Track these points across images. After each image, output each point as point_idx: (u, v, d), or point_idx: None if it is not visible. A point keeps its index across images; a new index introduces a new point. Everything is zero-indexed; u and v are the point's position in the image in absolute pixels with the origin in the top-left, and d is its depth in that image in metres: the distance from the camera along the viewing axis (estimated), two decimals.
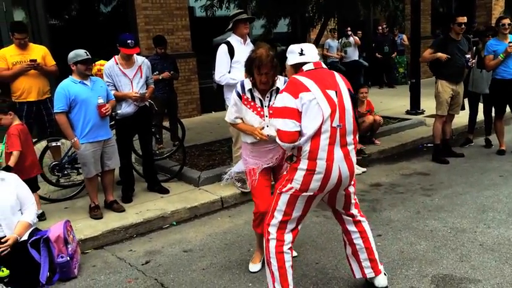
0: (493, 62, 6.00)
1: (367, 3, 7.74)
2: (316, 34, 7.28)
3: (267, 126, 3.18)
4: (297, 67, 2.79)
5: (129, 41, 4.56)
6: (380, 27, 12.37)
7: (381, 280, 3.02)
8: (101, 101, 4.22)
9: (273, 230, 2.83)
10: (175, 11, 9.06)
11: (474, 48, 6.67)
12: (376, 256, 3.03)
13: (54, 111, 4.18)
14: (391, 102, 9.95)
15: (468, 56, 5.83)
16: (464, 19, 5.73)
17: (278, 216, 2.81)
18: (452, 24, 5.79)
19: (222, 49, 4.76)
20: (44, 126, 5.37)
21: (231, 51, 4.74)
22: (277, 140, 2.70)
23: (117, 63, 4.69)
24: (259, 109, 3.20)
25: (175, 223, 4.44)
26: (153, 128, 5.60)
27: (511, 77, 6.03)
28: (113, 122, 4.94)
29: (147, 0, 8.72)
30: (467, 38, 6.00)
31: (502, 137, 6.28)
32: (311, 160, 2.64)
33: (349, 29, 11.37)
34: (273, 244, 2.82)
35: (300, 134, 2.65)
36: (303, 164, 2.67)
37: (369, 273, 3.02)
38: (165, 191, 4.98)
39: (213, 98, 7.12)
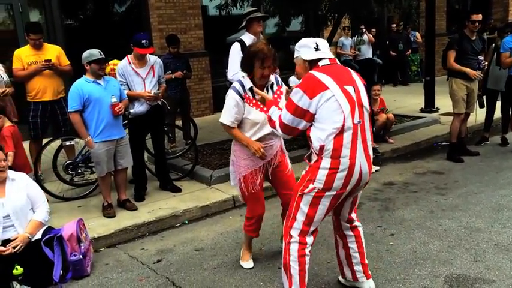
0: (510, 60, 5.89)
1: (380, 1, 7.68)
2: (329, 32, 7.24)
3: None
4: (312, 63, 2.73)
5: (143, 41, 4.59)
6: (394, 25, 12.24)
7: (371, 284, 3.04)
8: (114, 100, 4.25)
9: (295, 233, 2.76)
10: (189, 10, 9.09)
11: (493, 45, 6.56)
12: (366, 260, 3.05)
13: (68, 110, 4.23)
14: (405, 100, 9.85)
15: (481, 57, 5.73)
16: (478, 17, 5.63)
17: (301, 219, 2.73)
18: (467, 21, 5.70)
19: (235, 47, 4.76)
20: (59, 125, 5.44)
21: (244, 50, 4.73)
22: (276, 125, 2.72)
23: (130, 63, 4.72)
24: (261, 106, 3.16)
25: (187, 222, 4.46)
26: (166, 127, 5.63)
27: None
28: (126, 121, 5.00)
29: (160, 0, 8.76)
30: (482, 39, 5.89)
31: None
32: (334, 158, 2.59)
33: (363, 26, 11.27)
34: (295, 247, 2.75)
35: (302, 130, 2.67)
36: (326, 163, 2.60)
37: (360, 277, 3.02)
38: (178, 190, 5.01)
39: (225, 96, 7.13)
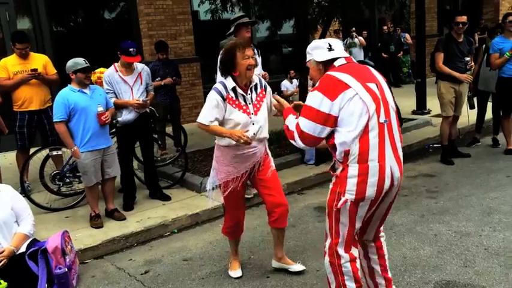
0: (499, 61, 5.88)
1: (370, 3, 7.67)
2: (319, 35, 7.22)
3: (253, 124, 3.07)
4: (327, 64, 2.55)
5: (131, 49, 4.55)
6: (386, 27, 12.26)
7: None
8: (100, 109, 4.21)
9: (342, 251, 2.54)
10: (179, 16, 9.07)
11: (483, 46, 6.55)
12: (390, 274, 2.83)
13: (54, 120, 4.18)
14: (397, 102, 9.81)
15: (468, 58, 5.72)
16: (463, 18, 5.60)
17: (343, 234, 2.51)
18: (453, 23, 5.70)
19: None
20: (46, 135, 5.39)
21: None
22: (295, 136, 2.48)
23: (117, 71, 4.68)
24: (244, 107, 3.08)
25: (176, 231, 4.41)
26: (156, 135, 5.59)
27: None
28: (113, 130, 4.96)
29: (150, 5, 8.74)
30: (469, 40, 5.89)
31: (510, 136, 6.15)
32: (362, 163, 2.37)
33: (353, 29, 11.28)
34: (348, 267, 2.54)
35: (328, 138, 2.46)
36: (353, 170, 2.39)
37: None
38: (167, 198, 4.96)
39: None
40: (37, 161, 4.92)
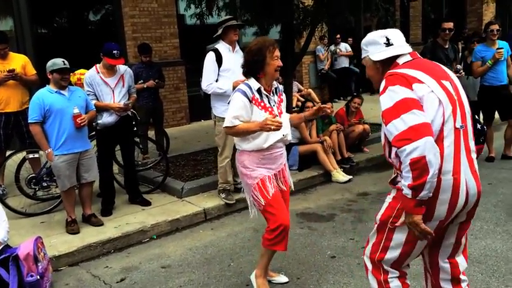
0: (481, 69, 5.93)
1: (356, 11, 7.69)
2: (304, 41, 7.20)
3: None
4: (388, 62, 2.15)
5: (114, 51, 4.46)
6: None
7: None
8: (76, 111, 4.10)
9: (388, 265, 2.24)
10: (164, 19, 8.99)
11: (460, 54, 6.61)
12: None
13: (28, 121, 4.07)
14: (381, 108, 9.85)
15: (459, 66, 5.74)
16: (449, 25, 5.66)
17: (395, 254, 2.19)
18: (439, 30, 5.73)
19: (210, 57, 4.65)
20: (23, 137, 5.24)
21: (219, 59, 4.63)
22: (410, 146, 1.86)
23: (99, 72, 4.59)
24: (270, 109, 2.97)
25: (155, 237, 4.31)
26: (137, 138, 5.50)
27: (499, 84, 5.96)
28: (93, 133, 4.85)
29: (135, 8, 8.64)
30: (454, 47, 5.93)
31: (491, 143, 6.19)
32: None
33: (338, 36, 11.32)
34: (396, 283, 2.25)
35: None
36: None
37: None
38: (147, 203, 4.86)
39: (202, 106, 7.04)
40: (13, 164, 4.78)
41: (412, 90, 1.98)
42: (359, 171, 6.08)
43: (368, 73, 2.29)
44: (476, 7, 14.47)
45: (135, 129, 5.17)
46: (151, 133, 6.63)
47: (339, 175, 5.70)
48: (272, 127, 2.76)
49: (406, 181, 1.93)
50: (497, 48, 5.87)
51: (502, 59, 5.87)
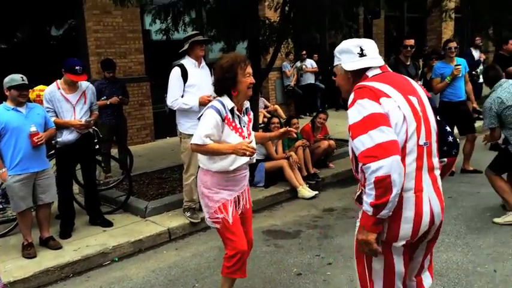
0: (440, 85, 6.11)
1: (321, 28, 7.84)
2: (270, 57, 7.26)
3: None
4: (358, 73, 2.14)
5: (77, 67, 4.36)
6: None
7: None
8: (33, 129, 3.96)
9: None
10: (129, 34, 8.88)
11: (419, 70, 6.81)
12: None
13: None
14: (346, 124, 9.97)
15: (419, 82, 5.92)
16: (411, 42, 5.84)
17: (379, 283, 2.12)
18: (401, 47, 5.90)
19: (175, 72, 4.60)
20: None
21: (185, 75, 4.59)
22: (375, 164, 1.84)
23: (59, 88, 4.46)
24: (240, 130, 2.88)
25: (116, 259, 4.17)
26: (99, 156, 5.36)
27: (458, 99, 6.17)
28: (53, 151, 4.69)
29: (99, 23, 8.51)
30: (415, 64, 6.12)
31: None
32: None
33: (304, 52, 11.48)
34: None
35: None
36: None
37: None
38: (108, 224, 4.71)
39: (167, 123, 6.95)
40: None
41: (380, 104, 1.96)
42: (325, 186, 6.11)
43: (338, 82, 2.26)
44: (436, 25, 15.01)
45: (97, 147, 5.04)
46: (114, 151, 6.48)
47: (305, 191, 5.71)
48: (247, 152, 2.68)
49: (368, 198, 1.91)
50: (456, 65, 6.08)
51: (460, 75, 6.09)
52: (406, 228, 1.99)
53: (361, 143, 1.92)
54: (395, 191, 1.86)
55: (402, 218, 1.99)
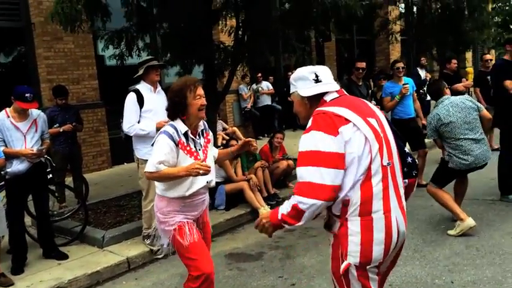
0: (390, 103, 6.37)
1: (275, 51, 8.00)
2: (226, 80, 7.33)
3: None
4: (315, 98, 2.16)
5: (27, 95, 4.23)
6: (290, 72, 12.85)
7: None
8: None
9: None
10: (81, 60, 8.72)
11: (370, 90, 7.08)
12: None
13: None
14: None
15: (373, 102, 6.16)
16: (362, 64, 6.10)
17: None
18: (353, 68, 6.14)
19: (131, 98, 4.55)
20: None
21: (141, 100, 4.55)
22: (302, 198, 1.97)
23: (9, 116, 4.31)
24: (195, 154, 2.83)
25: None
26: (53, 186, 5.17)
27: (408, 117, 6.45)
28: (2, 183, 4.48)
29: (50, 49, 8.32)
30: (366, 84, 6.38)
31: None
32: (365, 216, 2.00)
33: (259, 74, 11.67)
34: None
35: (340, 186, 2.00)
36: (355, 225, 2.01)
37: None
38: (64, 257, 4.53)
39: (124, 149, 6.83)
40: None
41: (337, 134, 1.98)
42: None
43: (296, 108, 2.28)
44: (384, 47, 15.68)
45: (50, 176, 4.87)
46: (69, 179, 6.27)
47: (266, 212, 5.71)
48: (200, 171, 2.64)
49: (283, 209, 2.08)
50: (403, 84, 6.36)
51: (408, 93, 6.37)
52: (378, 250, 2.03)
53: (300, 173, 2.04)
54: (301, 223, 2.05)
55: (374, 240, 2.02)
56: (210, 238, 3.15)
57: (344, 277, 2.08)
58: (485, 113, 4.80)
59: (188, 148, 2.81)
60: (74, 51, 8.60)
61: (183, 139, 2.79)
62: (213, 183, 2.99)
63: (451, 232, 4.67)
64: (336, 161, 1.96)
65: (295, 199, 2.02)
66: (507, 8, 20.20)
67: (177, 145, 2.76)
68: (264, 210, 5.74)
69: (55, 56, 8.38)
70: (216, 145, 6.90)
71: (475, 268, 3.86)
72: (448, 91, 5.06)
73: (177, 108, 2.81)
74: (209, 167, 2.71)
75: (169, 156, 2.73)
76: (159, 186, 2.90)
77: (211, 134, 3.09)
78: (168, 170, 2.72)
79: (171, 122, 2.85)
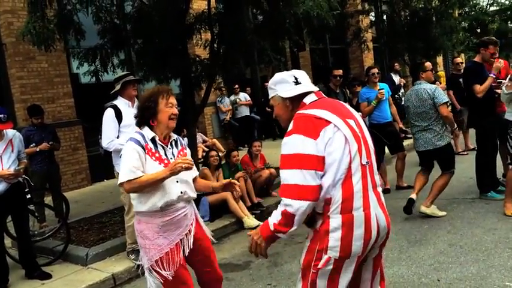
0: (367, 109, 6.48)
1: (251, 62, 8.07)
2: (204, 93, 7.34)
3: (177, 181, 2.69)
4: (296, 100, 2.20)
5: (0, 115, 4.18)
6: (267, 83, 12.93)
7: None
8: None
9: None
10: (56, 79, 8.63)
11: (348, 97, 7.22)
12: None
13: None
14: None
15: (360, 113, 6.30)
16: (339, 72, 6.25)
17: None
18: (330, 76, 6.26)
19: (109, 113, 4.53)
20: None
21: (119, 115, 4.52)
22: (289, 201, 2.02)
23: None
24: (166, 161, 2.68)
25: None
26: (33, 206, 5.06)
27: (385, 121, 6.56)
28: None
29: (23, 69, 8.21)
30: (343, 91, 6.50)
31: (385, 176, 6.69)
32: (346, 213, 2.05)
33: (236, 86, 11.73)
34: None
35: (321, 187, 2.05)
36: (336, 222, 2.06)
37: None
38: (47, 276, 4.43)
39: (103, 165, 6.73)
40: None
41: (318, 137, 2.03)
42: (270, 215, 6.07)
43: (277, 112, 2.30)
44: (357, 55, 15.98)
45: (29, 196, 4.78)
46: (48, 199, 6.15)
47: (251, 221, 5.72)
48: (183, 165, 2.54)
49: (274, 218, 2.10)
50: (379, 89, 6.49)
51: (384, 98, 6.49)
52: (357, 245, 2.08)
53: (284, 176, 2.08)
54: (293, 228, 2.07)
55: (354, 235, 2.07)
56: (211, 250, 2.99)
57: (314, 273, 2.13)
58: (443, 109, 5.10)
59: (157, 155, 2.68)
60: (47, 70, 8.51)
61: (151, 145, 2.68)
62: (191, 194, 2.83)
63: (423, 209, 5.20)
64: (315, 163, 2.02)
65: (282, 204, 2.05)
66: (473, 13, 20.90)
67: (144, 150, 2.64)
68: (249, 219, 5.74)
69: (28, 75, 8.27)
70: (196, 158, 6.89)
71: (459, 265, 3.93)
72: (425, 75, 5.35)
73: (146, 114, 2.71)
74: (192, 162, 2.63)
75: (139, 162, 2.61)
76: (134, 204, 2.74)
77: (188, 150, 2.97)
78: (148, 176, 2.58)
79: (138, 130, 2.76)
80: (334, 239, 2.07)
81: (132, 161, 2.59)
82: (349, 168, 2.06)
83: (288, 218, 2.04)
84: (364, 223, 2.08)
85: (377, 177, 2.21)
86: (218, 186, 3.02)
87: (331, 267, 2.09)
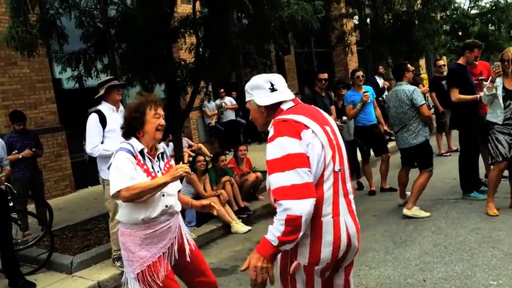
0: (353, 111, 6.52)
1: (235, 67, 8.06)
2: (189, 96, 7.32)
3: (163, 195, 2.65)
4: (272, 107, 2.18)
5: None
6: None
7: None
8: None
9: None
10: (38, 84, 8.49)
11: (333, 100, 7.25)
12: None
13: None
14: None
15: (345, 118, 6.39)
16: (324, 75, 6.29)
17: None
18: (316, 80, 6.30)
19: (93, 118, 4.48)
20: None
21: (103, 120, 4.47)
22: (290, 203, 1.91)
23: None
24: (153, 174, 2.63)
25: None
26: (15, 214, 4.97)
27: (370, 123, 6.61)
28: None
29: (4, 74, 8.06)
30: (328, 94, 6.54)
31: (371, 178, 6.74)
32: (315, 219, 2.01)
33: (222, 90, 11.72)
34: None
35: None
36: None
37: None
38: (31, 285, 4.35)
39: (87, 171, 6.65)
40: None
41: (301, 139, 2.01)
42: (257, 219, 6.15)
43: (252, 115, 2.29)
44: (342, 58, 16.08)
45: (11, 204, 4.69)
46: (31, 206, 6.05)
47: (238, 226, 5.70)
48: (184, 171, 2.56)
49: (275, 232, 1.96)
50: (364, 92, 6.54)
51: (369, 101, 6.55)
52: (326, 252, 2.06)
53: (277, 180, 1.98)
54: (302, 232, 1.95)
55: (323, 242, 2.05)
56: (200, 259, 2.97)
57: (291, 278, 2.13)
58: (423, 110, 5.30)
59: (145, 167, 2.64)
60: (29, 76, 8.38)
61: (139, 156, 2.64)
62: (176, 208, 2.79)
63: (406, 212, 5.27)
64: (306, 161, 2.00)
65: (282, 211, 1.93)
66: (454, 16, 21.21)
67: (135, 160, 2.60)
68: (237, 224, 5.72)
69: (10, 81, 8.13)
70: (182, 163, 6.85)
71: (445, 265, 3.97)
72: (408, 75, 5.63)
73: (133, 124, 2.67)
74: (189, 169, 2.62)
75: (134, 171, 2.56)
76: (122, 214, 2.68)
77: (173, 161, 2.94)
78: (143, 183, 2.52)
79: (126, 141, 2.70)
80: (304, 245, 2.05)
81: (127, 169, 2.55)
82: (322, 175, 2.04)
83: (293, 223, 1.92)
84: (333, 230, 2.05)
85: (349, 185, 2.19)
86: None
87: (302, 273, 2.08)
